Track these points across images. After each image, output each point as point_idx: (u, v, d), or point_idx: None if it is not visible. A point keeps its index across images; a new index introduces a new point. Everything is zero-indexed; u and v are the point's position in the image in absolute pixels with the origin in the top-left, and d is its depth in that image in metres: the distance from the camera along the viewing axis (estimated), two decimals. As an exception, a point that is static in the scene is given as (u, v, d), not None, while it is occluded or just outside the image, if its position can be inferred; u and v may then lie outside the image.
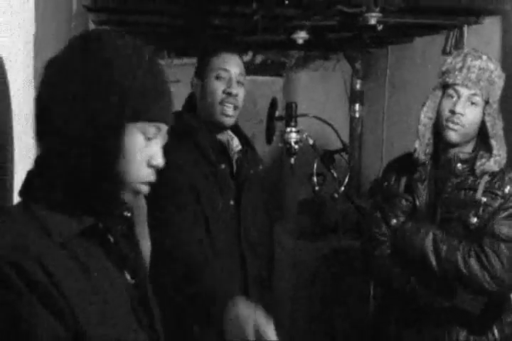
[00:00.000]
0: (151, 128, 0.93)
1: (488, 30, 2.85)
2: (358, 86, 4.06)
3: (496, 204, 1.67)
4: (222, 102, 1.71)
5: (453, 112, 1.67)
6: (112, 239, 0.96)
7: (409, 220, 1.76)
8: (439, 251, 1.66)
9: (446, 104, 1.70)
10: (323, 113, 4.04)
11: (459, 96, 1.68)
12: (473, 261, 1.63)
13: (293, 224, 3.41)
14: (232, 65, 1.76)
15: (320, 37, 3.23)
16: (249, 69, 4.17)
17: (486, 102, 1.68)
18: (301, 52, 4.10)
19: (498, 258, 1.62)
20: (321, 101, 4.15)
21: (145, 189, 0.96)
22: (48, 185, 0.90)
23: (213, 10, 2.72)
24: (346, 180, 1.86)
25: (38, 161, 0.94)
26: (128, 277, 0.97)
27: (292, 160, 1.87)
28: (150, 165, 0.95)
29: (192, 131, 1.73)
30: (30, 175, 0.93)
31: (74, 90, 0.88)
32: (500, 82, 1.71)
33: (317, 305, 3.04)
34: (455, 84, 1.68)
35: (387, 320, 1.81)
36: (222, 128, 1.77)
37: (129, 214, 1.00)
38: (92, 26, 2.95)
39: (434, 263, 1.66)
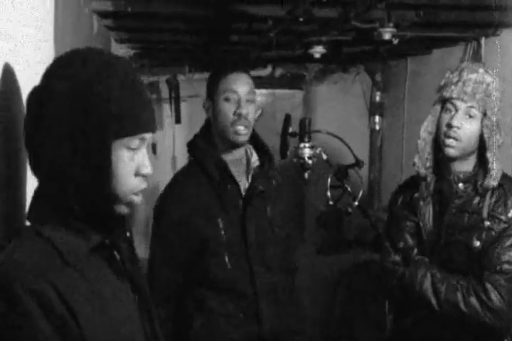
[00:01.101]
0: (135, 141, 0.96)
1: (505, 42, 2.85)
2: (377, 98, 4.07)
3: (499, 228, 1.66)
4: (233, 124, 1.76)
5: (450, 126, 1.68)
6: (117, 256, 0.99)
7: (414, 246, 1.77)
8: (439, 292, 1.66)
9: (444, 118, 1.71)
10: (343, 125, 4.11)
11: (456, 110, 1.69)
12: (473, 299, 1.62)
13: (312, 238, 3.42)
14: (240, 85, 1.79)
15: (337, 51, 3.26)
16: (269, 82, 4.26)
17: (484, 114, 1.69)
18: (320, 65, 4.14)
19: (498, 292, 1.61)
20: (341, 114, 4.17)
21: (137, 199, 0.98)
22: (50, 207, 0.93)
23: (231, 27, 2.78)
24: (360, 194, 1.87)
25: (39, 184, 0.97)
26: (132, 293, 1.00)
27: (306, 175, 1.89)
28: (139, 175, 0.97)
29: (200, 155, 1.79)
30: (35, 197, 0.97)
31: (55, 117, 0.91)
32: (497, 94, 1.70)
33: (337, 319, 3.03)
34: (452, 98, 1.69)
35: (401, 337, 1.82)
36: (236, 146, 1.81)
37: (128, 234, 1.03)
38: (114, 45, 3.04)
39: (435, 304, 1.67)
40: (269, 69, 4.13)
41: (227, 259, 1.74)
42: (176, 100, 3.69)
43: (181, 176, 1.82)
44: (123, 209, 0.97)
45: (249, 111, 1.77)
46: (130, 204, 0.98)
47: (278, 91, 4.34)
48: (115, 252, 0.99)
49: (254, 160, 1.84)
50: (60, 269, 0.88)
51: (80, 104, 0.91)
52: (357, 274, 2.95)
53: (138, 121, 0.96)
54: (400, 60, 3.88)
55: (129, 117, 0.94)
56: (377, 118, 4.02)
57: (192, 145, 1.83)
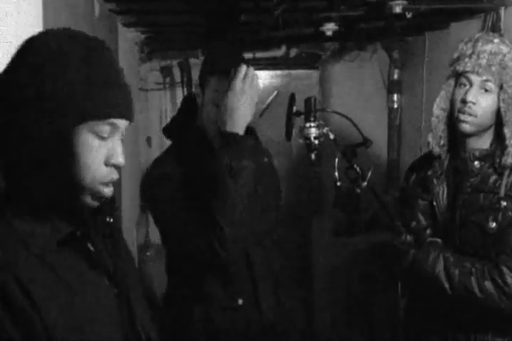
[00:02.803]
0: (103, 127, 0.89)
1: (525, 12, 2.72)
2: (395, 75, 3.97)
3: None
4: None
5: (464, 101, 1.60)
6: (91, 247, 0.94)
7: (428, 226, 1.70)
8: (452, 276, 1.59)
9: (459, 94, 1.63)
10: (360, 104, 4.02)
11: (470, 84, 1.61)
12: (488, 284, 1.55)
13: (329, 219, 3.38)
14: None
15: (350, 28, 3.16)
16: (284, 63, 4.17)
17: (500, 88, 1.60)
18: (336, 43, 4.04)
19: None
20: (358, 93, 4.09)
21: (107, 191, 0.92)
22: (17, 196, 0.89)
23: (238, 6, 2.71)
24: (369, 174, 1.81)
25: (3, 172, 0.91)
26: (108, 284, 0.96)
27: (313, 156, 1.83)
28: (109, 165, 0.91)
29: (188, 134, 1.76)
30: (2, 186, 0.92)
31: (15, 101, 0.87)
32: None
33: (355, 300, 2.99)
34: (466, 72, 1.61)
35: (414, 319, 1.77)
36: None
37: (111, 220, 0.99)
38: (121, 29, 3.00)
39: (447, 288, 1.60)
40: (283, 50, 4.04)
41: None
42: (187, 84, 3.65)
43: (169, 154, 1.77)
44: (91, 201, 0.92)
45: None
46: (98, 196, 0.92)
47: (294, 71, 4.27)
48: (88, 244, 0.94)
49: None
50: (25, 261, 0.84)
51: (43, 86, 0.86)
52: (373, 255, 2.90)
53: (104, 103, 0.88)
54: (417, 36, 3.76)
55: (93, 98, 0.87)
56: (395, 97, 3.92)
57: (177, 127, 1.81)
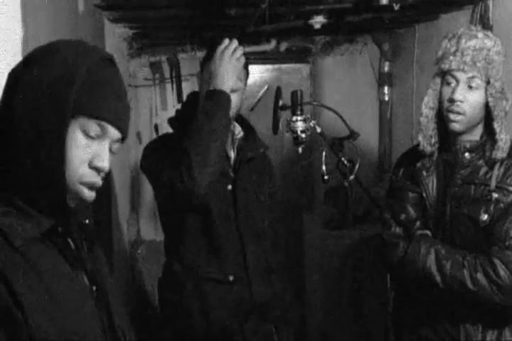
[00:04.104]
0: (92, 126, 0.90)
1: (513, 2, 2.71)
2: (386, 68, 3.95)
3: (508, 200, 1.57)
4: None
5: (452, 100, 1.59)
6: (71, 244, 0.93)
7: (418, 218, 1.70)
8: (444, 268, 1.58)
9: (446, 92, 1.62)
10: (351, 97, 4.01)
11: (457, 82, 1.60)
12: (480, 276, 1.54)
13: (320, 213, 3.37)
14: None
15: (339, 21, 3.14)
16: (274, 57, 4.15)
17: (487, 83, 1.59)
18: (326, 37, 4.02)
19: (506, 267, 1.53)
20: (349, 86, 4.08)
21: (88, 194, 0.92)
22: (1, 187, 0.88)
23: (226, 0, 2.69)
24: (356, 167, 1.80)
25: None
26: (87, 282, 0.95)
27: (300, 150, 1.83)
28: (92, 167, 0.91)
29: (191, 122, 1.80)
30: None
31: (22, 93, 0.88)
32: (499, 59, 1.60)
33: (348, 293, 2.99)
34: (451, 70, 1.60)
35: (403, 312, 1.77)
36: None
37: (87, 222, 0.98)
38: (108, 25, 2.97)
39: (439, 281, 1.59)
40: (273, 44, 4.02)
41: (218, 225, 1.80)
42: (177, 79, 3.62)
43: (168, 145, 1.85)
44: (70, 202, 0.92)
45: None
46: (78, 197, 0.92)
47: (284, 65, 4.25)
48: (69, 240, 0.93)
49: (238, 131, 1.94)
50: (6, 255, 0.83)
51: (48, 75, 0.88)
52: (364, 249, 2.90)
53: (100, 104, 0.90)
54: (407, 28, 3.74)
55: (91, 95, 0.89)
56: (386, 89, 3.91)
57: (181, 117, 1.89)
